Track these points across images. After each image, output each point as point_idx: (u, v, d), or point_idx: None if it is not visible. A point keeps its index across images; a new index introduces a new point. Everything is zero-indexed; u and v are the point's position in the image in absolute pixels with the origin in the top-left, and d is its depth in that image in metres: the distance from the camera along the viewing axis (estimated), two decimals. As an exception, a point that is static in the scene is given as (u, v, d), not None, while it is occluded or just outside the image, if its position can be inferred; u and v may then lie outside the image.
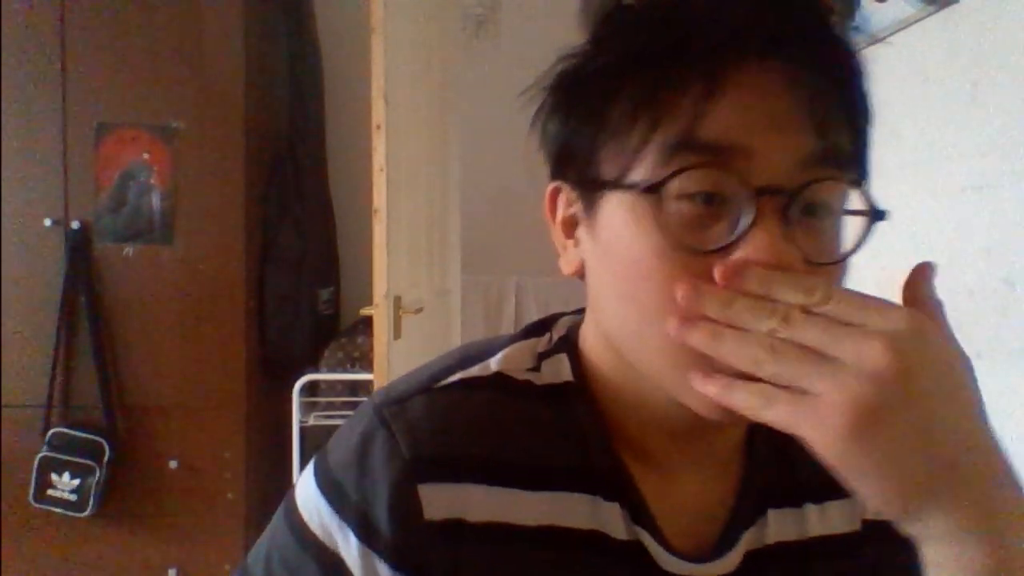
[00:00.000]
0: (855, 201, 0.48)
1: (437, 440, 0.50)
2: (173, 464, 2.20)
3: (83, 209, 2.15)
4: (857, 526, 0.56)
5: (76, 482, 2.07)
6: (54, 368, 2.13)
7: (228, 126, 2.18)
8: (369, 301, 1.98)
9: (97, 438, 2.10)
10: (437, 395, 0.52)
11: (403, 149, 2.02)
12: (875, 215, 0.46)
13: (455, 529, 0.49)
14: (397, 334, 1.96)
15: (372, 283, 1.92)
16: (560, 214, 0.53)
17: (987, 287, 0.95)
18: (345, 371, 2.33)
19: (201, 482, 2.20)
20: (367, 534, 0.49)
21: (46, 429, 2.11)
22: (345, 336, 2.46)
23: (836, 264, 0.46)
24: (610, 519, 0.51)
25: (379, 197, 1.89)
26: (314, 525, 0.51)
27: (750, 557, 0.53)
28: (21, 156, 2.13)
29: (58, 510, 2.08)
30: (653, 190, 0.44)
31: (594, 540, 0.51)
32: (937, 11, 1.06)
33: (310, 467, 0.54)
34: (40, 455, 2.08)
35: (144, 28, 2.14)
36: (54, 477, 2.08)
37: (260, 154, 2.32)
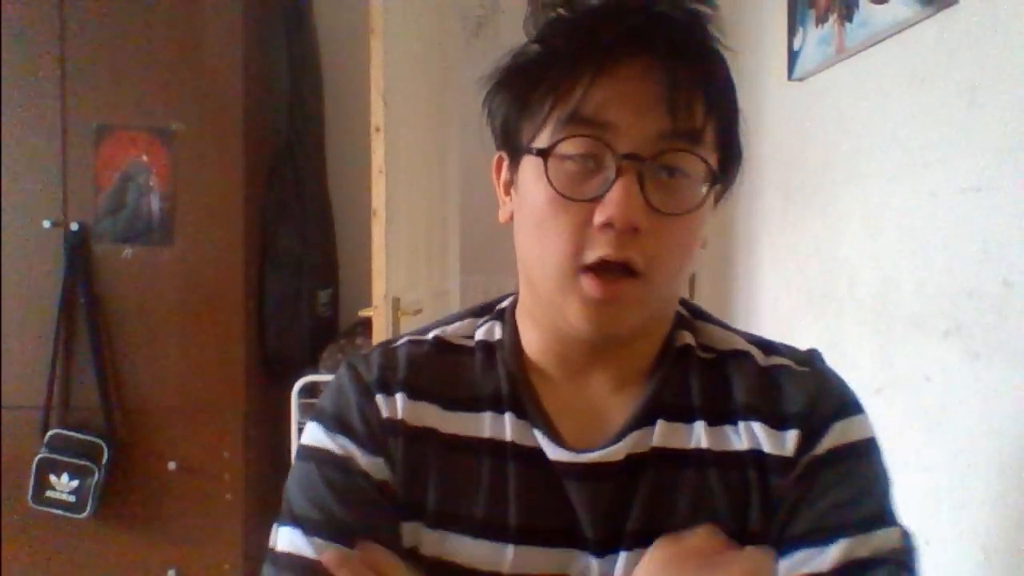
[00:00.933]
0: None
1: (384, 369, 0.69)
2: (172, 465, 2.19)
3: (82, 211, 2.15)
4: (739, 448, 0.64)
5: (75, 483, 2.07)
6: (53, 369, 2.12)
7: (227, 128, 2.18)
8: (368, 302, 1.98)
9: (96, 439, 2.10)
10: (388, 348, 0.71)
11: (402, 151, 2.03)
12: (713, 179, 0.61)
13: (395, 426, 0.66)
14: (396, 335, 1.96)
15: (371, 284, 1.92)
16: (503, 177, 0.69)
17: (985, 288, 0.96)
18: (344, 372, 2.33)
19: (200, 483, 2.20)
20: (344, 430, 0.66)
21: (45, 430, 2.11)
22: (344, 337, 2.45)
23: (684, 215, 0.60)
24: (507, 427, 0.66)
25: (378, 198, 1.90)
26: (310, 441, 0.67)
27: (634, 455, 0.65)
28: (20, 157, 2.13)
29: (57, 511, 2.08)
30: (544, 152, 0.60)
31: (492, 445, 0.66)
32: (935, 13, 1.06)
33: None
34: (39, 456, 2.07)
35: (143, 30, 2.15)
36: (53, 478, 2.07)
37: (259, 156, 2.32)
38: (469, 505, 0.64)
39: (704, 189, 0.61)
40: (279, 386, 2.32)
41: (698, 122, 0.59)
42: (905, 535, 0.61)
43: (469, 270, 2.84)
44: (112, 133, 2.15)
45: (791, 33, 1.58)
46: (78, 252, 2.14)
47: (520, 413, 0.66)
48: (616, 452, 0.64)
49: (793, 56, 1.56)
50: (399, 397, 0.67)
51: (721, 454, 0.64)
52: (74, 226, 2.14)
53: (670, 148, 0.59)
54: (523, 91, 0.62)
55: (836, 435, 0.63)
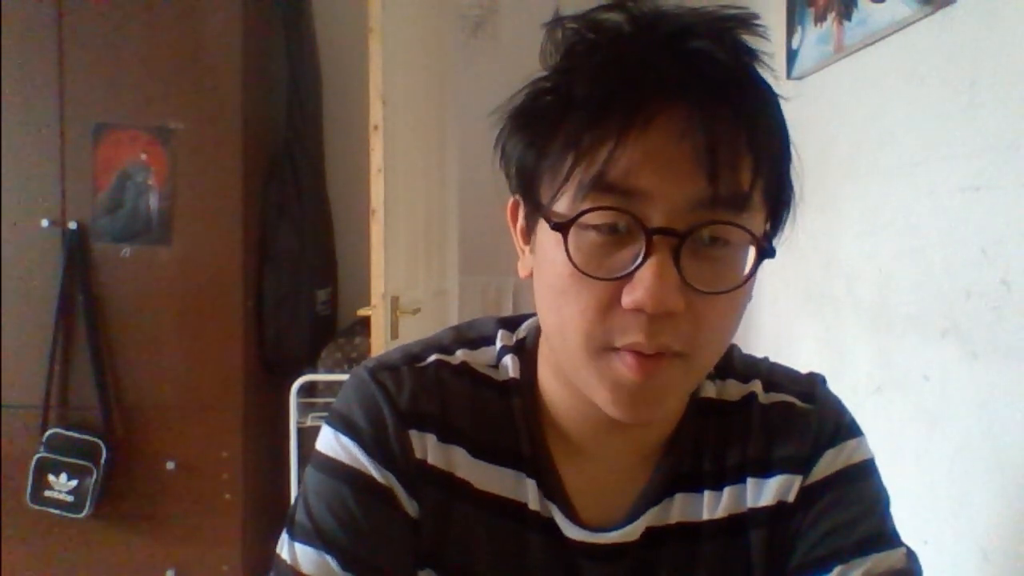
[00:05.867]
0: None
1: (417, 398, 0.63)
2: (170, 465, 2.19)
3: (80, 210, 2.14)
4: (744, 508, 0.63)
5: (73, 483, 2.07)
6: (51, 369, 2.12)
7: (226, 127, 2.18)
8: (367, 302, 1.98)
9: (94, 439, 2.10)
10: (418, 368, 0.65)
11: (401, 150, 2.03)
12: (763, 253, 0.52)
13: (426, 469, 0.62)
14: (395, 334, 1.96)
15: (370, 284, 1.92)
16: (519, 223, 0.61)
17: (983, 288, 0.96)
18: (343, 372, 2.33)
19: (199, 483, 2.20)
20: (385, 460, 0.61)
21: (43, 430, 2.10)
22: (343, 337, 2.45)
23: (725, 293, 0.51)
24: (528, 492, 0.63)
25: (377, 198, 1.89)
26: (344, 457, 0.62)
27: (651, 531, 0.63)
28: (18, 157, 2.13)
29: (55, 511, 2.08)
30: (563, 227, 0.51)
31: (514, 507, 0.63)
32: (933, 12, 1.06)
33: (325, 426, 0.65)
34: (37, 456, 2.07)
35: (142, 29, 2.14)
36: (51, 478, 2.07)
37: (258, 154, 2.32)
38: (488, 565, 0.63)
39: (751, 257, 0.52)
40: (278, 385, 2.32)
41: (744, 185, 0.50)
42: (909, 556, 0.60)
43: (468, 271, 2.84)
44: (110, 132, 2.15)
45: (790, 32, 1.58)
46: (76, 251, 2.13)
47: (540, 482, 0.63)
48: (633, 531, 0.62)
49: (792, 55, 1.56)
50: (430, 439, 0.62)
51: (735, 518, 0.63)
52: (72, 225, 2.13)
53: (711, 220, 0.50)
54: (541, 138, 0.54)
55: (828, 462, 0.62)
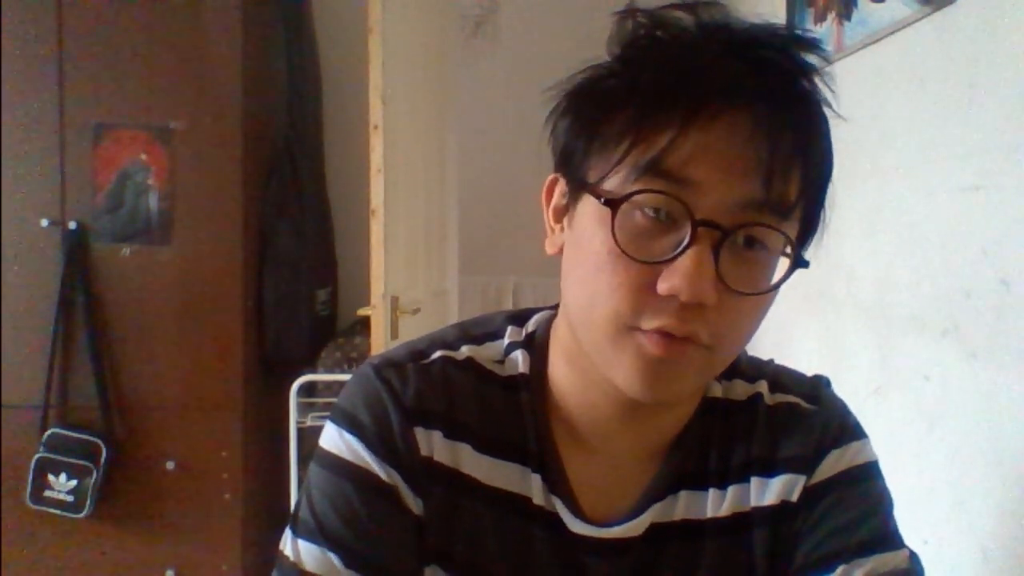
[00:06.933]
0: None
1: (422, 395, 0.63)
2: (170, 465, 2.19)
3: (80, 210, 2.14)
4: (748, 507, 0.64)
5: (73, 483, 2.07)
6: (51, 369, 2.12)
7: (226, 126, 2.18)
8: (367, 302, 1.98)
9: (94, 439, 2.10)
10: (423, 365, 0.65)
11: (401, 149, 2.03)
12: (797, 263, 0.55)
13: (432, 466, 0.62)
14: (395, 334, 1.96)
15: (370, 284, 1.92)
16: (554, 201, 0.62)
17: (983, 288, 0.96)
18: (343, 372, 2.33)
19: (198, 483, 2.20)
20: (389, 458, 0.61)
21: (43, 430, 2.10)
22: (343, 336, 2.45)
23: (758, 295, 0.54)
24: (533, 486, 0.63)
25: (377, 197, 1.89)
26: (347, 455, 0.62)
27: (655, 528, 0.63)
28: (18, 156, 2.13)
29: (55, 511, 2.08)
30: (614, 203, 0.52)
31: (519, 501, 0.63)
32: (933, 12, 1.06)
33: (329, 423, 0.65)
34: (37, 456, 2.07)
35: (142, 28, 2.14)
36: (51, 478, 2.07)
37: (258, 154, 2.31)
38: (494, 560, 0.63)
39: (781, 265, 0.55)
40: (278, 385, 2.32)
41: (792, 195, 0.52)
42: (911, 558, 0.61)
43: (467, 270, 2.84)
44: (110, 132, 2.15)
45: (790, 32, 1.58)
46: (76, 251, 2.13)
47: (545, 476, 0.63)
48: (638, 526, 0.63)
49: (792, 55, 1.56)
50: (436, 436, 0.63)
51: (739, 517, 0.63)
52: (72, 225, 2.13)
53: (756, 222, 0.52)
54: (594, 119, 0.55)
55: (832, 463, 0.63)
